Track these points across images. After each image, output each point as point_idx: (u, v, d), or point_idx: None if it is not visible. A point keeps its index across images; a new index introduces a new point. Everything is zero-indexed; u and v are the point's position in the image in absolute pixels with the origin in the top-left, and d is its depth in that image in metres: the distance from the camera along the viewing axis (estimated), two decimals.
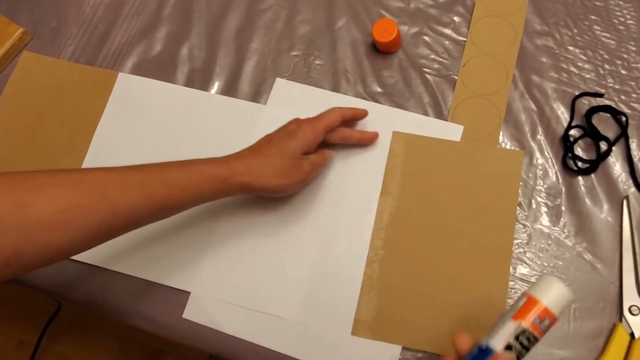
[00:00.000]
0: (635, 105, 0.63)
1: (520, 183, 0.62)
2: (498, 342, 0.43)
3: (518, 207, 0.61)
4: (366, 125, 0.66)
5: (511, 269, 0.59)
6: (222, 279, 0.61)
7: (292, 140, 0.56)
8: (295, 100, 0.69)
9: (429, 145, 0.64)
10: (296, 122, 0.58)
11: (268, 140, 0.57)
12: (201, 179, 0.52)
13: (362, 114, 0.63)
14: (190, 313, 0.61)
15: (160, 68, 0.73)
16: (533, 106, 0.65)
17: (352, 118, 0.63)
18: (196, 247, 0.63)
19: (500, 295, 0.57)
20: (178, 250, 0.63)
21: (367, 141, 0.64)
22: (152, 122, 0.70)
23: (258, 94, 0.70)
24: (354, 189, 0.63)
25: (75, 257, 0.63)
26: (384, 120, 0.66)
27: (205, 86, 0.72)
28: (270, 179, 0.54)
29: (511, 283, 0.58)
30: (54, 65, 0.75)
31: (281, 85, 0.69)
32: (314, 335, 0.58)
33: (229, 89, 0.71)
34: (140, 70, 0.74)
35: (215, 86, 0.71)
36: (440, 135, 0.64)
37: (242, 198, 0.64)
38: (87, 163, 0.69)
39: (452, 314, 0.57)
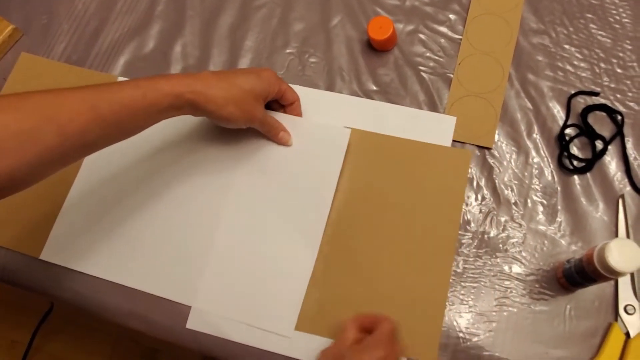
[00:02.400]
0: (631, 104, 0.63)
1: (515, 182, 0.62)
2: None
3: (514, 206, 0.61)
4: (351, 120, 0.65)
5: (507, 267, 0.59)
6: (221, 294, 0.60)
7: (255, 79, 0.58)
8: None
9: (380, 142, 0.64)
10: (263, 68, 0.61)
11: (233, 71, 0.58)
12: (157, 95, 0.51)
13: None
14: (194, 324, 0.60)
15: (153, 66, 0.73)
16: (529, 105, 0.65)
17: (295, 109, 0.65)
18: (195, 261, 0.61)
19: (440, 295, 0.57)
20: (177, 264, 0.62)
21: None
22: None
23: None
24: (310, 186, 0.62)
25: (70, 266, 0.63)
26: (370, 116, 0.66)
27: None
28: (223, 105, 0.55)
29: (507, 282, 0.58)
30: (51, 67, 0.73)
31: None
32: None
33: None
34: (132, 68, 0.73)
35: None
36: (433, 127, 0.64)
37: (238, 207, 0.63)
38: (84, 167, 0.67)
39: (393, 311, 0.55)
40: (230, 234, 0.62)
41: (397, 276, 0.59)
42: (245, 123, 0.59)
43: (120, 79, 0.71)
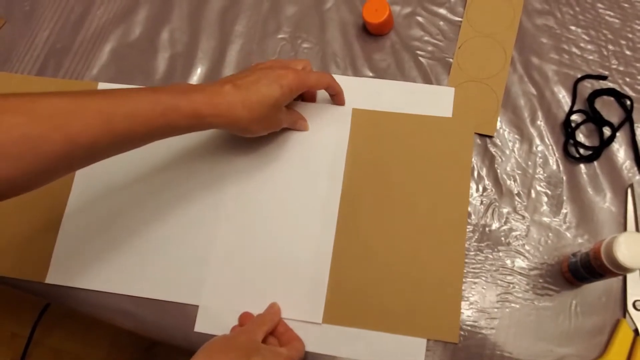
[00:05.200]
0: None
1: (519, 171, 0.59)
2: None
3: (517, 197, 0.58)
4: (347, 99, 0.63)
5: (509, 262, 0.56)
6: (230, 288, 0.58)
7: (277, 89, 0.54)
8: None
9: (380, 119, 0.62)
10: (285, 68, 0.56)
11: (255, 79, 0.53)
12: (178, 116, 0.48)
13: (340, 95, 0.63)
14: (202, 326, 0.57)
15: (139, 53, 0.70)
16: (533, 90, 0.62)
17: (333, 92, 0.61)
18: (198, 258, 0.59)
19: (456, 271, 0.56)
20: (179, 264, 0.59)
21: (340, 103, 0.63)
22: None
23: None
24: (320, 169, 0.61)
25: (77, 285, 0.61)
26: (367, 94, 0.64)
27: (187, 71, 0.68)
28: (246, 126, 0.54)
29: (509, 277, 0.56)
30: (27, 83, 0.70)
31: None
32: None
33: (213, 75, 0.68)
34: (118, 55, 0.70)
35: (198, 72, 0.68)
36: (432, 100, 0.62)
37: (239, 198, 0.61)
38: (76, 185, 0.64)
39: (410, 293, 0.55)
40: (238, 227, 0.60)
41: (411, 255, 0.57)
42: (266, 133, 0.58)
43: (101, 84, 0.68)
